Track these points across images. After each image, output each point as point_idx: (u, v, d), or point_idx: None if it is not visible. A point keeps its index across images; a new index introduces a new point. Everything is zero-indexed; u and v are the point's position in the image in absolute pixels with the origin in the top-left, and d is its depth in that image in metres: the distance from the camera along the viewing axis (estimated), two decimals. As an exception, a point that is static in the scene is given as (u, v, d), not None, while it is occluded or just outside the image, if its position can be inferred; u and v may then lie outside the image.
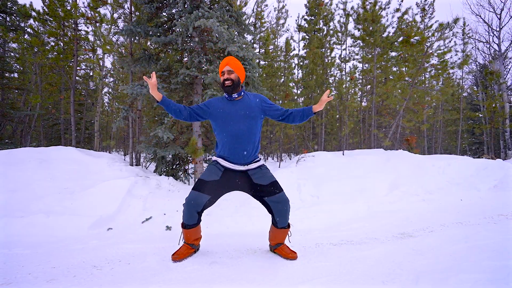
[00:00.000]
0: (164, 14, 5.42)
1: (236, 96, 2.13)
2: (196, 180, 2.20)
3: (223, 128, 2.11)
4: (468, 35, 14.05)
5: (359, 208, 4.04)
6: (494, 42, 13.87)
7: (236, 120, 2.08)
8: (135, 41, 6.79)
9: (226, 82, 2.10)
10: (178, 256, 2.07)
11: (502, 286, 1.57)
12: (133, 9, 6.43)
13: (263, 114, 2.19)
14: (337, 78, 14.10)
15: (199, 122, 5.15)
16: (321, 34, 11.68)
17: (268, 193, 2.11)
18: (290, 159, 12.40)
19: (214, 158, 2.24)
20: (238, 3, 9.97)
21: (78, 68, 11.06)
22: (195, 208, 2.04)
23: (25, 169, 4.08)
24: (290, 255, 2.15)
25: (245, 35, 5.92)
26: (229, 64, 2.12)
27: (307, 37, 12.35)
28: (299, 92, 13.66)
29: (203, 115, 2.17)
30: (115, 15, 8.58)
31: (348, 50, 15.94)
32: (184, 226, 2.12)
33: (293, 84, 13.60)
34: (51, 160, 4.46)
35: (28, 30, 10.21)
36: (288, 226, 2.22)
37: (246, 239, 2.72)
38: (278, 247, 2.23)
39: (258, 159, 2.23)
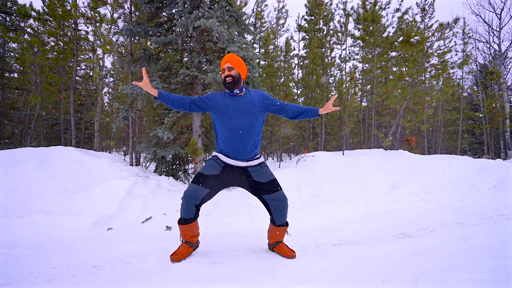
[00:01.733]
0: (164, 14, 5.42)
1: (238, 91, 2.14)
2: (196, 173, 2.20)
3: (224, 123, 2.10)
4: (468, 35, 14.05)
5: (359, 208, 4.04)
6: (494, 42, 13.89)
7: (237, 115, 2.08)
8: (135, 41, 6.79)
9: (227, 79, 2.11)
10: (176, 257, 2.06)
11: (502, 286, 1.56)
12: (133, 9, 6.43)
13: (265, 110, 2.20)
14: (337, 78, 14.11)
15: (199, 122, 5.16)
16: (321, 34, 11.67)
17: (267, 191, 2.12)
18: (290, 159, 12.40)
19: (214, 153, 2.24)
20: (238, 3, 9.97)
21: (78, 68, 11.06)
22: (193, 202, 2.04)
23: (25, 169, 4.08)
24: (289, 254, 2.16)
25: (245, 35, 5.91)
26: (229, 61, 2.13)
27: (307, 37, 12.34)
28: (299, 92, 13.66)
29: (204, 107, 2.17)
30: (115, 15, 8.58)
31: (348, 50, 15.93)
32: (181, 221, 2.11)
33: (293, 84, 13.60)
34: (51, 160, 4.46)
35: (28, 30, 10.20)
36: (287, 224, 2.23)
37: (246, 239, 2.72)
38: (277, 245, 2.24)
39: (258, 156, 2.24)
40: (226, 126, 2.10)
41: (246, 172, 2.17)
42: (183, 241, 2.17)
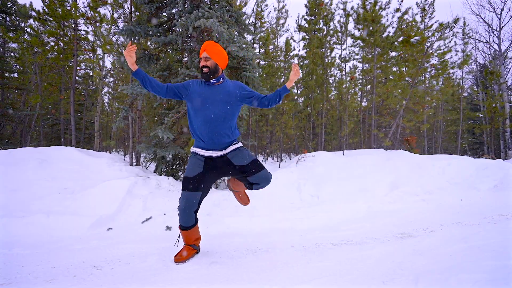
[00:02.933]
0: (164, 14, 5.42)
1: (215, 81, 2.12)
2: (182, 178, 2.19)
3: (198, 111, 2.08)
4: (468, 35, 14.04)
5: (359, 208, 4.04)
6: (494, 42, 13.89)
7: (213, 104, 2.06)
8: (135, 41, 6.78)
9: (203, 70, 2.08)
10: (181, 258, 2.06)
11: (502, 286, 1.56)
12: (133, 9, 6.42)
13: (241, 101, 2.16)
14: (337, 78, 14.11)
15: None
16: (321, 34, 11.66)
17: (251, 173, 2.09)
18: (290, 159, 12.40)
19: (192, 149, 2.20)
20: (238, 3, 9.96)
21: (78, 68, 11.06)
22: (191, 209, 2.04)
23: (25, 169, 4.08)
24: (243, 201, 2.37)
25: (245, 35, 5.91)
26: (207, 50, 2.08)
27: (307, 37, 12.34)
28: (299, 92, 13.66)
29: (179, 95, 2.14)
30: (115, 15, 8.58)
31: (348, 50, 15.93)
32: (182, 228, 2.10)
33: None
34: (51, 160, 4.46)
35: (28, 30, 10.19)
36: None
37: (246, 239, 2.72)
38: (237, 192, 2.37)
39: (236, 142, 2.21)
40: (200, 115, 2.07)
41: (226, 159, 2.14)
42: (186, 244, 2.17)
